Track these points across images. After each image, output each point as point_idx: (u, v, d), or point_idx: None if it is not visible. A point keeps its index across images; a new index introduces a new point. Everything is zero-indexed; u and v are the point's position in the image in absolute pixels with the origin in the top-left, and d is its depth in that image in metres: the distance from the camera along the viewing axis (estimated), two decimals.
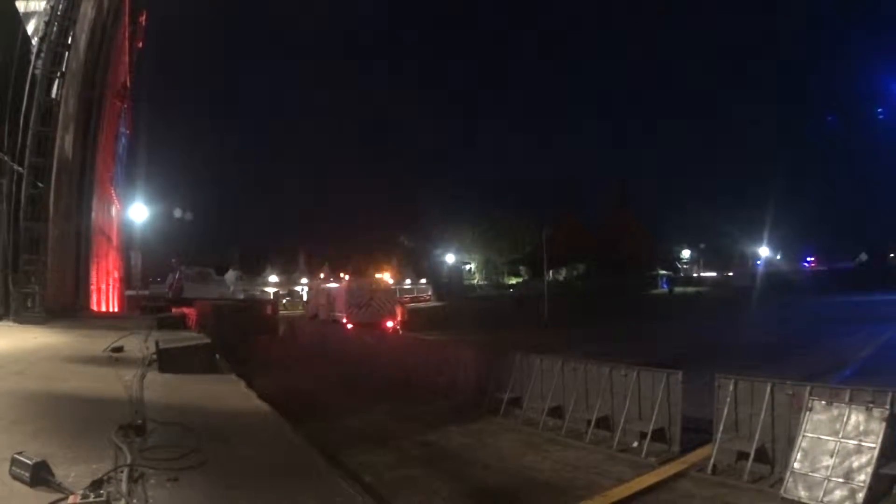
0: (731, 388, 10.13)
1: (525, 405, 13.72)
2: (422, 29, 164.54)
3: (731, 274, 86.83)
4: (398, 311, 34.43)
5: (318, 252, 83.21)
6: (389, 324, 31.58)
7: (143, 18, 28.15)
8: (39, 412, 5.76)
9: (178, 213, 55.36)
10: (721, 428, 10.03)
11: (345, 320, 31.05)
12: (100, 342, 10.05)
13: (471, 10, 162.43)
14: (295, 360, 23.62)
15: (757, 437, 9.58)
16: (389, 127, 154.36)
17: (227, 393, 7.39)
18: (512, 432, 12.84)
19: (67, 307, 16.37)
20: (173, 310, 21.73)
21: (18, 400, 6.18)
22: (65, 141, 15.29)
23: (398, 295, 55.01)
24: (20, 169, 13.24)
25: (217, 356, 9.23)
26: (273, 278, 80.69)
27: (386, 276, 39.10)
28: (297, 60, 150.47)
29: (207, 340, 9.57)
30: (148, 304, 25.77)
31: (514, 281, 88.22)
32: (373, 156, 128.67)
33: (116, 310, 26.07)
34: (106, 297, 24.30)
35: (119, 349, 9.49)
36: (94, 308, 21.03)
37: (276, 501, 3.96)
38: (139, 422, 5.17)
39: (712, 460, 9.80)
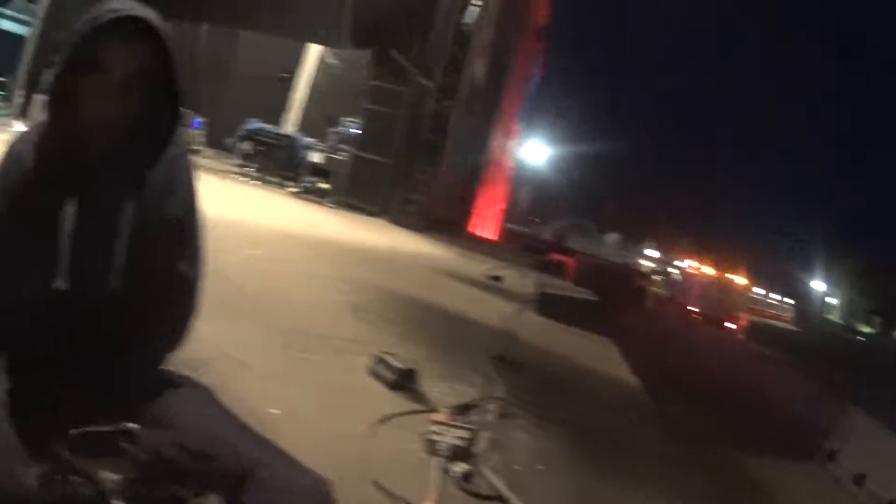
0: None
1: None
2: None
3: None
4: (743, 317, 32.56)
5: (705, 238, 77.25)
6: (732, 326, 29.76)
7: None
8: (409, 317, 5.66)
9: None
10: None
11: (690, 307, 30.93)
12: (477, 266, 10.19)
13: None
14: (660, 337, 21.98)
15: None
16: None
17: (604, 357, 7.08)
18: None
19: (445, 222, 17.45)
20: (553, 255, 21.78)
21: (389, 299, 6.12)
22: (475, 66, 15.96)
23: (757, 304, 50.18)
24: (428, 83, 13.96)
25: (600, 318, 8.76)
26: (650, 252, 78.12)
27: (739, 279, 37.07)
28: None
29: (596, 299, 9.23)
30: (531, 244, 26.78)
31: None
32: None
33: (494, 238, 27.60)
34: (485, 223, 25.89)
35: (498, 278, 9.49)
36: (471, 230, 22.41)
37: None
38: (514, 359, 5.01)
39: None
